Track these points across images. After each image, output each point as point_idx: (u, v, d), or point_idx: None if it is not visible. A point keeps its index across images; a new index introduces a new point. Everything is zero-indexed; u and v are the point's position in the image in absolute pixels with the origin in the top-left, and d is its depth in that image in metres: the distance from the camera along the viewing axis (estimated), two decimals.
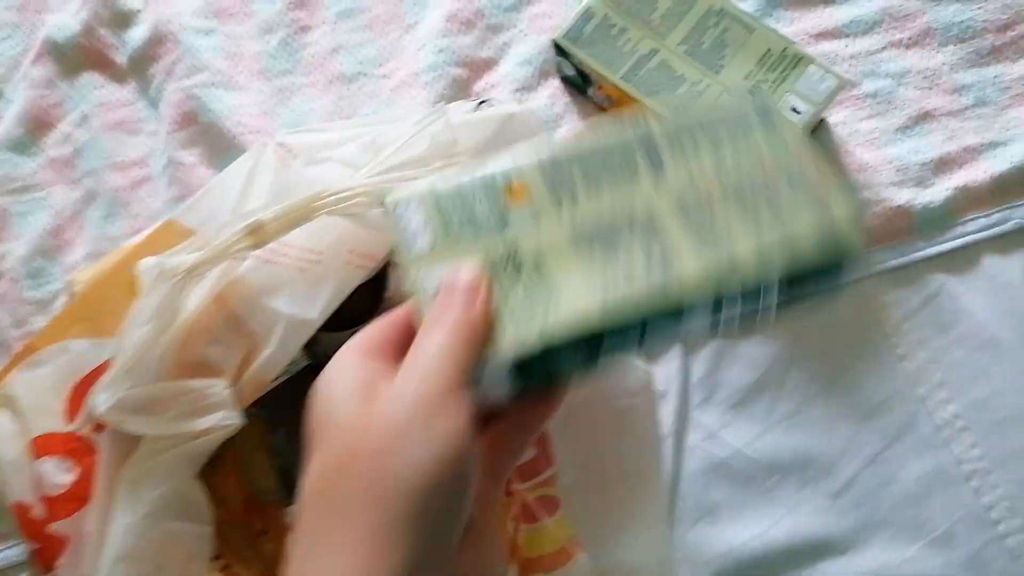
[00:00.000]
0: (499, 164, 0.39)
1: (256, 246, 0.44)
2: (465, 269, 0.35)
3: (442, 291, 0.35)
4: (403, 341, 0.35)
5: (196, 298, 0.46)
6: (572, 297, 0.35)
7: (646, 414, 0.57)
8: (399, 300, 0.65)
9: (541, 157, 0.39)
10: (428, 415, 0.30)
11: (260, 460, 0.58)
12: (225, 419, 0.46)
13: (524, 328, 0.35)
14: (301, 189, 0.44)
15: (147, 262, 0.44)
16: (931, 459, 0.61)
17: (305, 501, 0.32)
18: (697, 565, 0.61)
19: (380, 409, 0.31)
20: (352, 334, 0.61)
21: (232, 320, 0.48)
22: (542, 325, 0.35)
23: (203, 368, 0.47)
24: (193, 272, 0.43)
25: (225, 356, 0.47)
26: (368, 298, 0.62)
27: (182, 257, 0.43)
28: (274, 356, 0.48)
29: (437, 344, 0.32)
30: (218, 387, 0.46)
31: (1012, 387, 0.62)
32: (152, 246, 0.50)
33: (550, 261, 0.37)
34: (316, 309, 0.48)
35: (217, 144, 0.73)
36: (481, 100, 0.57)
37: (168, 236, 0.51)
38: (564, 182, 0.38)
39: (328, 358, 0.65)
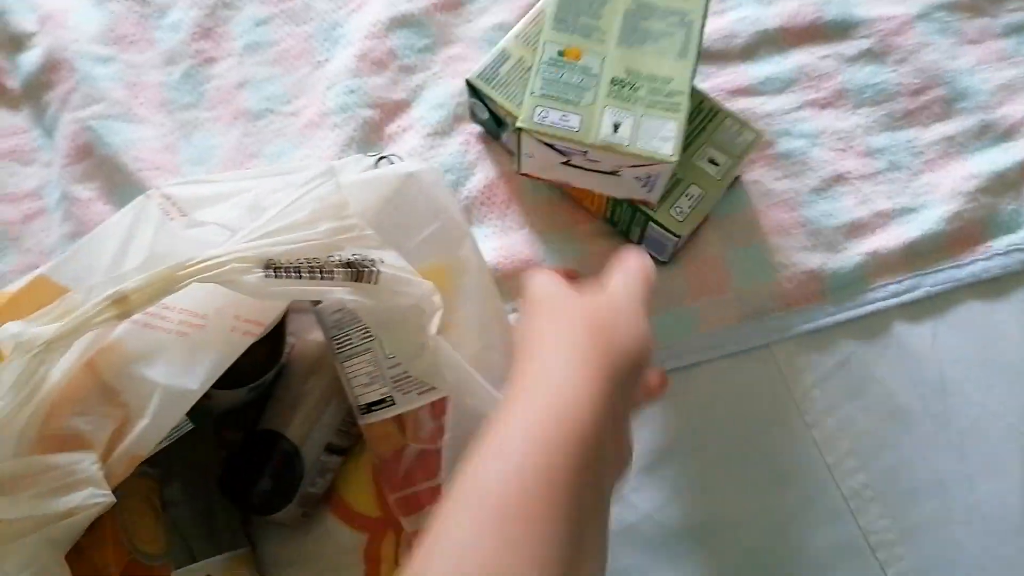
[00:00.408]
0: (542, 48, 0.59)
1: (121, 317, 0.40)
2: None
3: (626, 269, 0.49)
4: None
5: (62, 368, 0.42)
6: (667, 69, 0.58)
7: None
8: (302, 352, 0.63)
9: (549, 26, 0.59)
10: (635, 312, 0.45)
11: (145, 524, 0.54)
12: (93, 497, 0.43)
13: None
14: (176, 255, 0.41)
15: (5, 329, 0.40)
16: (839, 529, 0.60)
17: (534, 311, 0.47)
18: None
19: (606, 295, 0.46)
20: (249, 391, 0.58)
21: (104, 390, 0.44)
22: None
23: (70, 441, 0.43)
24: (53, 345, 0.39)
25: (95, 428, 0.43)
26: (264, 354, 0.58)
27: (41, 328, 0.39)
28: (149, 429, 0.44)
29: (635, 279, 0.48)
30: (86, 462, 0.43)
31: (919, 456, 0.62)
32: (20, 305, 0.46)
33: (632, 65, 0.58)
34: (197, 379, 0.45)
35: (115, 179, 0.69)
36: (380, 156, 0.55)
37: (38, 294, 0.47)
38: (580, 26, 0.59)
39: (224, 414, 0.62)
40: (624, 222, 0.65)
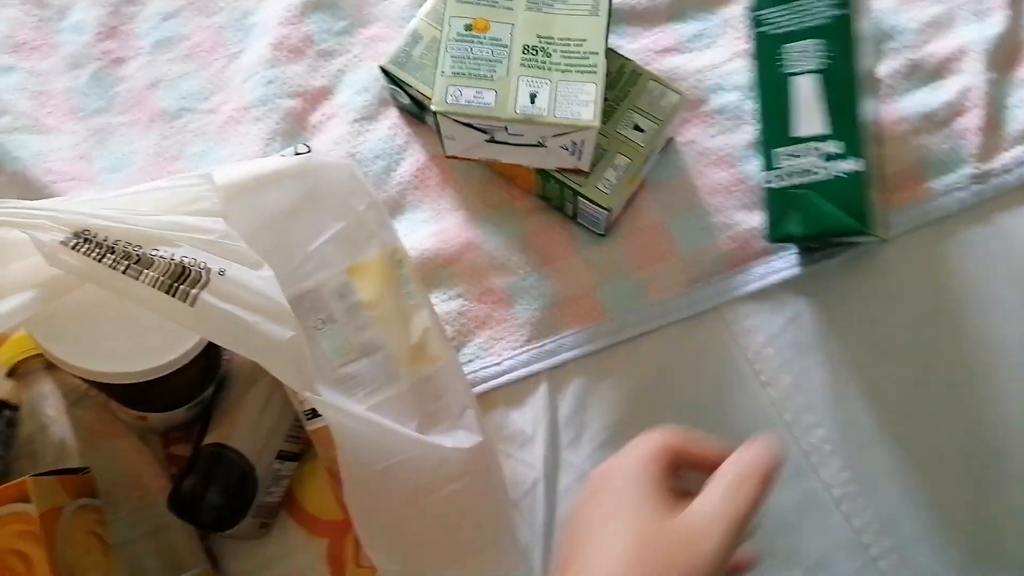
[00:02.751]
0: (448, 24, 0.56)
1: None
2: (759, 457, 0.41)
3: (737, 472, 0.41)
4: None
5: None
6: (580, 30, 0.56)
7: (481, 487, 0.54)
8: (242, 362, 0.61)
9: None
10: (717, 545, 0.38)
11: (93, 560, 0.52)
12: None
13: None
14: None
15: None
16: (802, 485, 0.60)
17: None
18: None
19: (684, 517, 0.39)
20: (188, 410, 0.56)
21: None
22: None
23: None
24: None
25: None
26: (200, 371, 0.56)
27: None
28: None
29: (738, 492, 0.40)
30: None
31: (875, 407, 0.61)
32: None
33: (543, 30, 0.56)
34: None
35: (27, 195, 0.66)
36: (298, 151, 0.52)
37: None
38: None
39: (165, 434, 0.60)
40: (556, 197, 0.64)
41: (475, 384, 0.62)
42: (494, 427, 0.62)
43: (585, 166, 0.59)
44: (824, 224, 0.55)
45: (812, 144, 0.56)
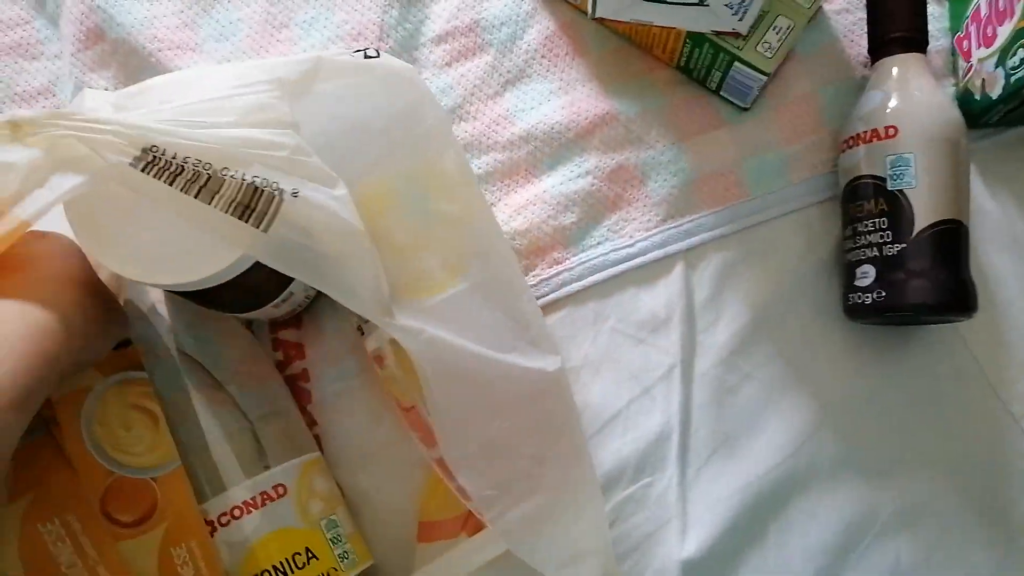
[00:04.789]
0: None
1: (11, 140, 0.39)
2: None
3: None
4: None
5: None
6: None
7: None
8: None
9: None
10: None
11: (137, 434, 0.49)
12: None
13: None
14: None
15: None
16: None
17: None
18: (713, 503, 0.57)
19: None
20: (276, 307, 0.53)
21: None
22: None
23: None
24: None
25: None
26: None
27: None
28: None
29: None
30: None
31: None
32: None
33: None
34: None
35: (132, 64, 0.63)
36: (366, 52, 0.47)
37: None
38: None
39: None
40: (702, 67, 0.59)
41: (605, 267, 0.59)
42: (624, 311, 0.59)
43: (744, 28, 0.55)
44: None
45: None
